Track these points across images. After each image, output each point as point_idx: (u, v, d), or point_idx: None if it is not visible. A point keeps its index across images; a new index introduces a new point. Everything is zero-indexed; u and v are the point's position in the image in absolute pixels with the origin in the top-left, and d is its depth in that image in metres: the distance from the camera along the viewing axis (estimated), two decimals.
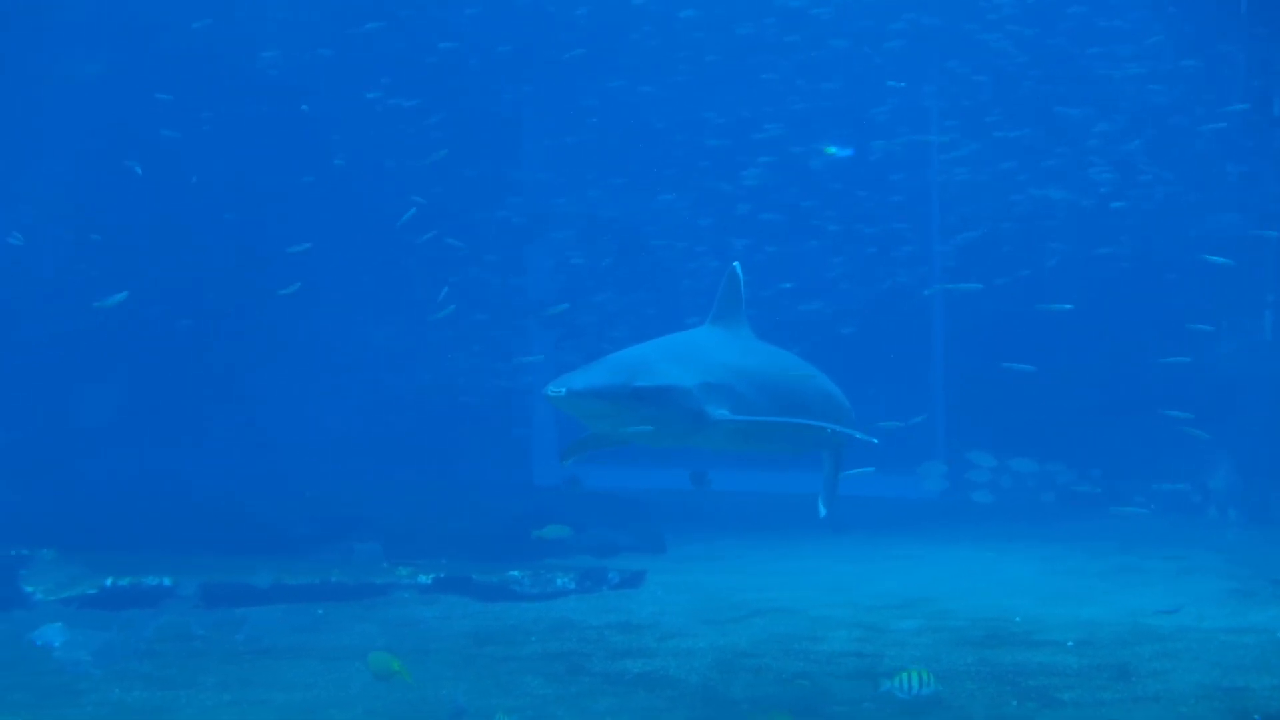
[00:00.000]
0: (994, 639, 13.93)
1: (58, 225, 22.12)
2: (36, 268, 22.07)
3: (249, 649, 14.03)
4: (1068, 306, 18.56)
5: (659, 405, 10.87)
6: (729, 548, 21.27)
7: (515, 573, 17.26)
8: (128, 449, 21.53)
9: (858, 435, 12.16)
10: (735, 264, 12.52)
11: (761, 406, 11.66)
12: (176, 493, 20.15)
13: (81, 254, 21.95)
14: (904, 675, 11.01)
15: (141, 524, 19.04)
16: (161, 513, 19.44)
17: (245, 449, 22.23)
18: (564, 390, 10.55)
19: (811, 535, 21.65)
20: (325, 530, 19.55)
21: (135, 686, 12.46)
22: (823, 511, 13.52)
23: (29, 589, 16.52)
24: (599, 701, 11.56)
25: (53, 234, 22.21)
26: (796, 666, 12.86)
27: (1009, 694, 11.54)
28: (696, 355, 11.62)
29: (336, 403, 23.27)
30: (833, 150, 25.46)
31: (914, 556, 20.16)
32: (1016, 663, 12.76)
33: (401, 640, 14.31)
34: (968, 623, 14.84)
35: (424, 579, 17.07)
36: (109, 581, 16.61)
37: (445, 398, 24.82)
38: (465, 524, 20.09)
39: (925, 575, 18.49)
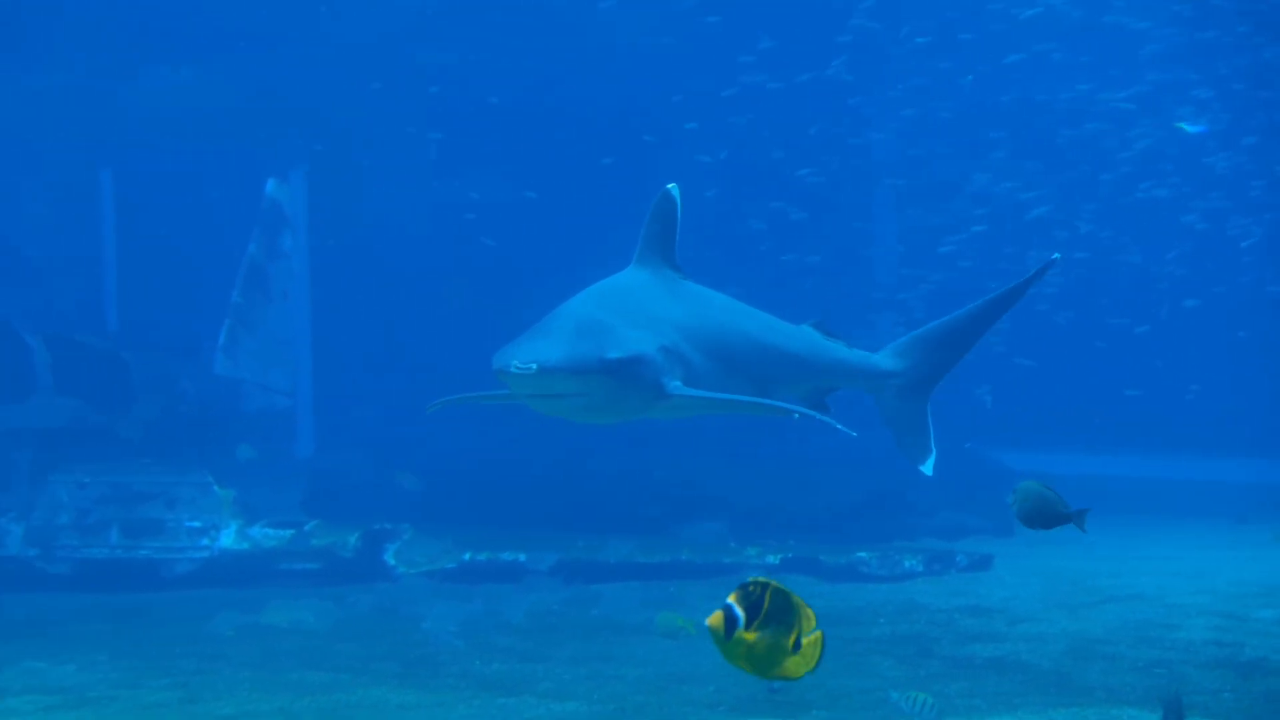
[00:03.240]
0: None
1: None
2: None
3: (603, 624, 14.33)
4: None
5: (624, 379, 8.96)
6: (1082, 532, 20.82)
7: (863, 554, 17.26)
8: (483, 427, 22.10)
9: (818, 417, 9.58)
10: (671, 186, 10.06)
11: (712, 371, 9.68)
12: (528, 471, 20.59)
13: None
14: None
15: (497, 501, 19.54)
16: (515, 491, 19.91)
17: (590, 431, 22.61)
18: (534, 367, 8.64)
19: (1170, 520, 21.14)
20: (673, 510, 19.80)
21: (495, 659, 12.84)
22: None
23: (392, 562, 17.19)
24: (950, 684, 11.50)
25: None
26: (1152, 654, 12.59)
27: None
28: (644, 311, 9.61)
29: None
30: (1186, 127, 24.70)
31: None
32: None
33: None
34: None
35: (771, 558, 17.20)
36: (467, 556, 17.20)
37: None
38: (810, 504, 20.12)
39: None
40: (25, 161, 23.70)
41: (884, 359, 10.75)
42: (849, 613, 14.84)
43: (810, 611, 6.22)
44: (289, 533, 17.40)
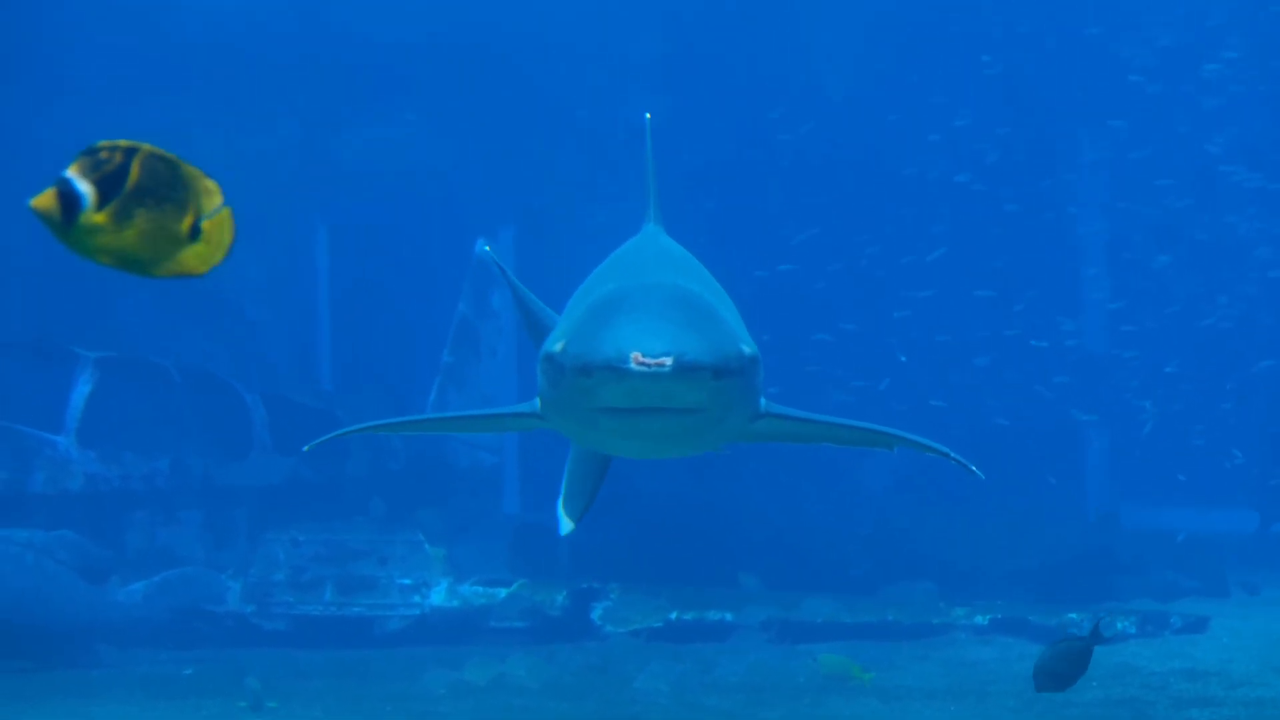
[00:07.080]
0: None
1: None
2: None
3: (810, 685, 14.26)
4: None
5: (750, 386, 6.09)
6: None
7: (1073, 615, 17.00)
8: (684, 483, 22.05)
9: (954, 456, 6.98)
10: (647, 114, 7.97)
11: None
12: (731, 528, 20.47)
13: None
14: None
15: (699, 558, 19.44)
16: (716, 547, 19.80)
17: (797, 483, 22.33)
18: (669, 362, 5.48)
19: None
20: (881, 570, 19.65)
21: (704, 718, 12.87)
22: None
23: (599, 621, 17.32)
24: None
25: None
26: None
27: None
28: (719, 288, 6.77)
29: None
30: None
31: None
32: None
33: (961, 681, 14.34)
34: None
35: (980, 620, 17.03)
36: (674, 615, 17.26)
37: (986, 423, 24.49)
38: (1021, 562, 19.85)
39: None
40: (245, 222, 24.30)
41: None
42: None
43: (213, 184, 4.42)
44: (498, 591, 17.62)
